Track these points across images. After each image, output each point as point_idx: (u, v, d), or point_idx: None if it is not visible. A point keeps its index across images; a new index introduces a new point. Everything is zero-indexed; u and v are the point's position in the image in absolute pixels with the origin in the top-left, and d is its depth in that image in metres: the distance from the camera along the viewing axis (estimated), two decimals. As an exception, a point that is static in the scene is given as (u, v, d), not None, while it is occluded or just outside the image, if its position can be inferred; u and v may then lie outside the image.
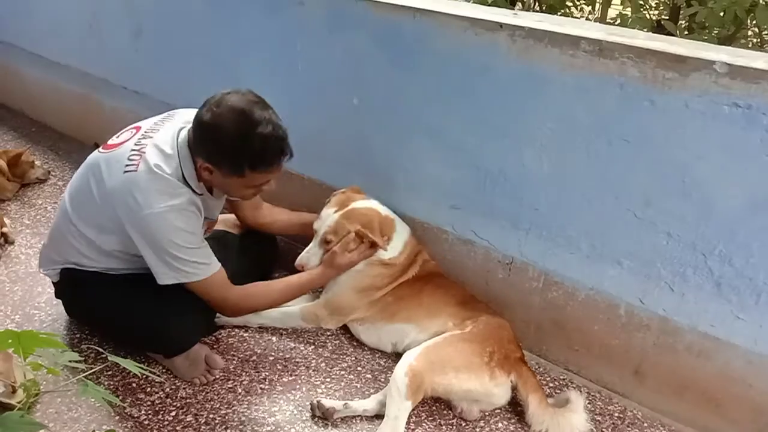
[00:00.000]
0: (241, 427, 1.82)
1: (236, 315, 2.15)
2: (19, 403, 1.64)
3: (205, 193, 1.96)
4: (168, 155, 1.84)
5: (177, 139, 1.88)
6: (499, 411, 1.95)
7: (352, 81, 2.37)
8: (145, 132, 1.91)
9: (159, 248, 1.81)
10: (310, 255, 2.17)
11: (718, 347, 1.82)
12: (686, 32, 4.28)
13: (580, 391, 1.96)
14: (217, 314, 2.17)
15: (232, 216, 2.39)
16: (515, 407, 1.95)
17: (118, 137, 1.96)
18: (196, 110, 1.85)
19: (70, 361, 1.24)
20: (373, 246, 2.12)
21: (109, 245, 1.93)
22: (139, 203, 1.78)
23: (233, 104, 1.75)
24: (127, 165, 1.83)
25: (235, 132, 1.74)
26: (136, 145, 1.87)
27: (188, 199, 1.84)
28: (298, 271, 2.16)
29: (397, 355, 2.08)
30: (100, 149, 1.97)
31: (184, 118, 1.95)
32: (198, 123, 1.81)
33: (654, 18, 4.67)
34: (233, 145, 1.75)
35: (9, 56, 4.05)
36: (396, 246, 2.19)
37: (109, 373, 1.97)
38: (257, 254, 2.38)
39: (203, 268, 1.88)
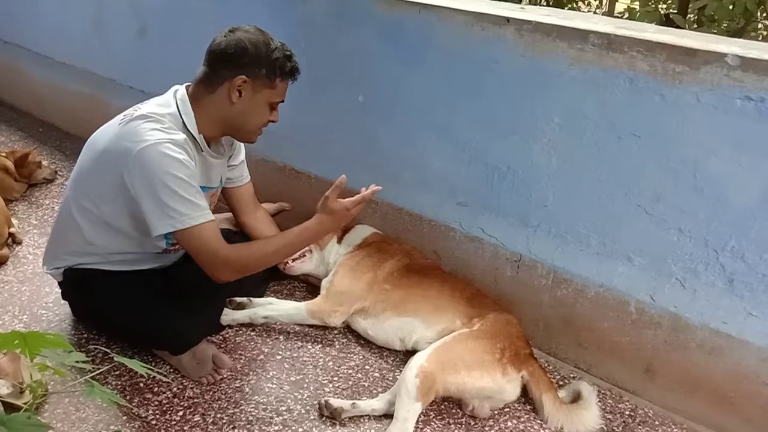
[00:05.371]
0: (248, 426, 1.81)
1: (230, 275, 1.87)
2: (25, 404, 1.63)
3: (206, 149, 1.95)
4: (164, 106, 1.88)
5: (174, 96, 1.91)
6: (508, 409, 1.93)
7: (357, 78, 2.36)
8: (134, 107, 1.93)
9: (154, 184, 1.73)
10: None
11: (730, 344, 1.80)
12: (695, 26, 4.25)
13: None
14: (223, 312, 2.17)
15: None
16: (524, 405, 1.94)
17: None
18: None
19: (76, 362, 1.23)
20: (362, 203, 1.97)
21: (111, 215, 1.89)
22: (134, 141, 1.76)
23: (246, 27, 1.90)
24: (120, 122, 1.86)
25: (262, 42, 1.87)
26: (126, 112, 1.90)
27: (185, 139, 1.83)
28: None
29: (405, 353, 2.07)
30: None
31: (173, 89, 1.97)
32: (219, 49, 1.87)
33: (662, 11, 4.64)
34: (265, 52, 1.87)
35: (16, 57, 4.06)
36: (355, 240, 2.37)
37: (117, 373, 1.97)
38: None
39: (197, 210, 1.78)
